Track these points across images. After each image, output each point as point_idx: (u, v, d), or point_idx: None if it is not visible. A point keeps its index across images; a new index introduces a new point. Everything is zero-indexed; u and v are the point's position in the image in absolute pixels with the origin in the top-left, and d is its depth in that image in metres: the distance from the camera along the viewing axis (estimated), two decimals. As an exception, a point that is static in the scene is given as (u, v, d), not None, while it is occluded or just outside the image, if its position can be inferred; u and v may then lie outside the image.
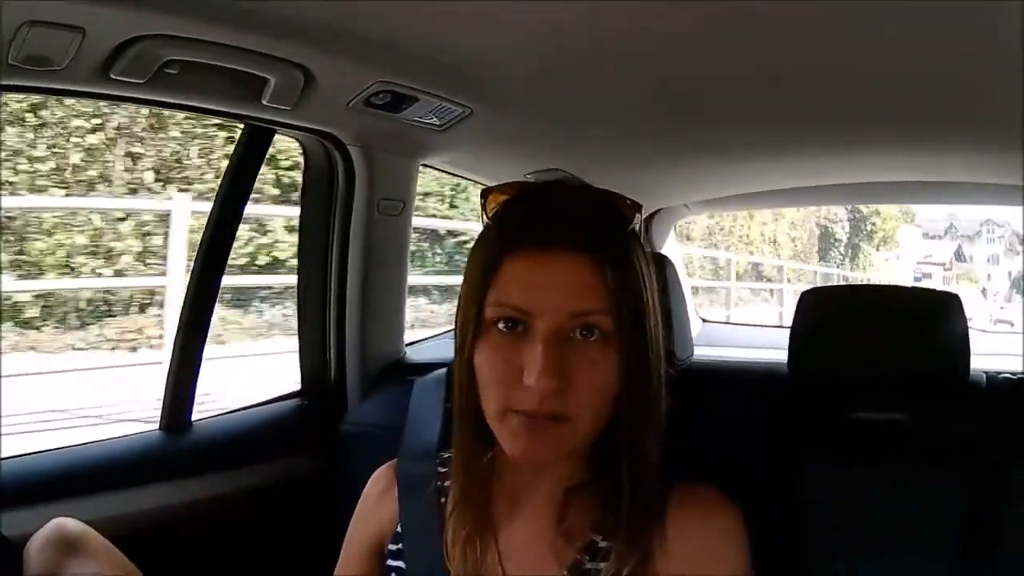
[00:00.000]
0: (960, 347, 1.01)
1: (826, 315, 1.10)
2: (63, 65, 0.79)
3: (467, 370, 0.69)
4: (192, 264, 1.17)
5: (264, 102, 0.94)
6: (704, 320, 2.37)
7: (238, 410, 1.27)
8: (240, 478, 1.15)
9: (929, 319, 1.04)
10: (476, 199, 0.74)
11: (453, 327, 0.74)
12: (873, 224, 16.62)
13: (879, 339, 1.04)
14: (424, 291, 5.55)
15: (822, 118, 1.15)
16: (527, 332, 0.66)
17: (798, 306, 1.09)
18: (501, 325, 0.67)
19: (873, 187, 1.67)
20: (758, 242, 12.94)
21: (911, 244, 17.19)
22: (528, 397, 0.65)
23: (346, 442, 1.24)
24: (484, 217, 0.72)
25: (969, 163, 1.43)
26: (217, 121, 4.01)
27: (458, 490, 0.74)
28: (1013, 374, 1.10)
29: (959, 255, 18.05)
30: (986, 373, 1.09)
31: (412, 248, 1.35)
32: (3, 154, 4.22)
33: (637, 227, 0.73)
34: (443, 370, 1.05)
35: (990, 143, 1.23)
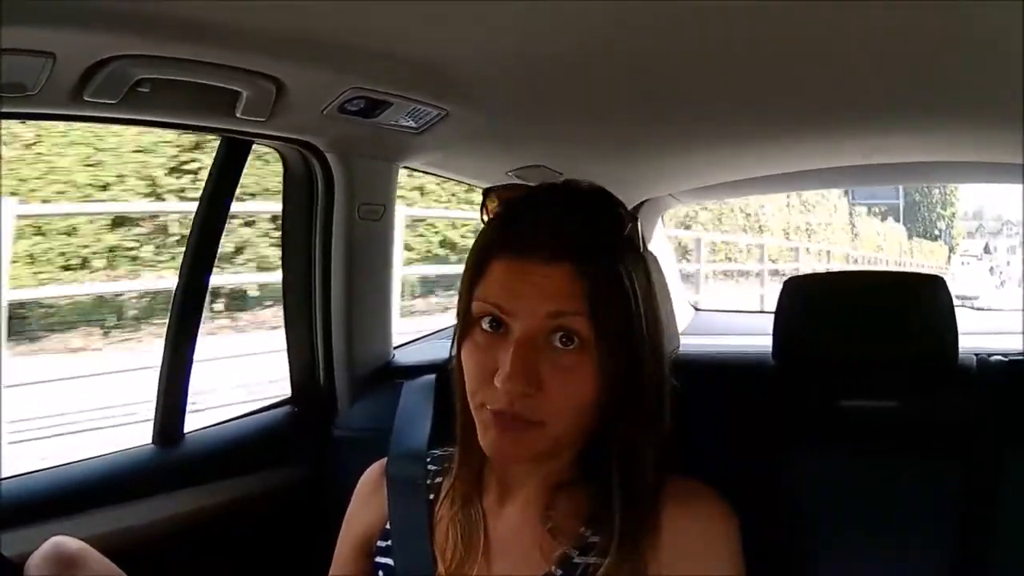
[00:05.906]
0: (947, 330, 1.01)
1: (810, 302, 1.09)
2: (37, 90, 0.79)
3: (458, 362, 0.73)
4: (177, 276, 1.18)
5: (238, 114, 0.94)
6: (697, 309, 2.36)
7: (230, 420, 1.27)
8: (235, 488, 1.16)
9: (914, 303, 1.04)
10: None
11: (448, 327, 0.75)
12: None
13: (864, 325, 1.03)
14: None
15: (807, 101, 1.14)
16: (506, 334, 0.68)
17: (781, 293, 1.09)
18: (485, 324, 0.70)
19: (865, 169, 1.64)
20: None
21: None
22: (499, 397, 0.67)
23: (337, 447, 1.24)
24: (484, 216, 0.76)
25: (964, 143, 1.41)
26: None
27: (456, 478, 0.76)
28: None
29: (986, 248, 24.08)
30: (976, 355, 1.07)
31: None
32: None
33: (632, 232, 0.73)
34: (431, 376, 1.06)
35: (986, 122, 1.21)
